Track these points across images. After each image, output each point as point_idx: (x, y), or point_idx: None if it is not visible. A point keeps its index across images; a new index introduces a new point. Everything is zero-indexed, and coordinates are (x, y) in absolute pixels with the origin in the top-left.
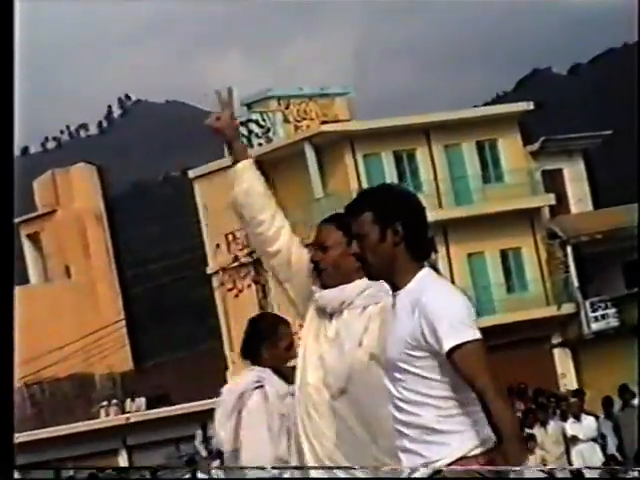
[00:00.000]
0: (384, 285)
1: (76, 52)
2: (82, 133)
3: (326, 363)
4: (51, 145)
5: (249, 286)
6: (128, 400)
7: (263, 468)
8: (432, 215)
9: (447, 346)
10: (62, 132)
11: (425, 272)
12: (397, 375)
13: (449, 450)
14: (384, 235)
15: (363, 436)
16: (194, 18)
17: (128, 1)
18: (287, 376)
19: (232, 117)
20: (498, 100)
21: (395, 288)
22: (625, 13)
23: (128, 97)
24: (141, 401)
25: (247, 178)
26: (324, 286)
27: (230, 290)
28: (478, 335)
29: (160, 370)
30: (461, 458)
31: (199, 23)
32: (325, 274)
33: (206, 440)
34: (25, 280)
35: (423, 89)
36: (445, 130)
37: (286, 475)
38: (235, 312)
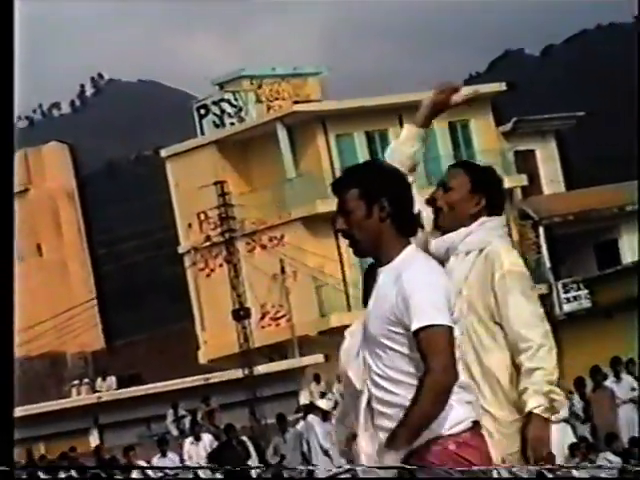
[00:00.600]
0: (491, 232)
1: (47, 32)
2: (55, 112)
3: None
4: (23, 124)
5: (221, 265)
6: (99, 379)
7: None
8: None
9: (415, 326)
10: (34, 111)
11: (411, 249)
12: (378, 351)
13: (425, 429)
14: (370, 211)
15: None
16: None
17: None
18: None
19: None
20: (471, 81)
21: (380, 264)
22: None
23: (101, 76)
24: (112, 380)
25: (416, 144)
26: (437, 227)
27: (202, 270)
28: (447, 321)
29: (131, 349)
30: (437, 437)
31: (171, 1)
32: (440, 214)
33: (177, 419)
34: None
35: (396, 70)
36: (416, 110)
37: None
38: (207, 292)
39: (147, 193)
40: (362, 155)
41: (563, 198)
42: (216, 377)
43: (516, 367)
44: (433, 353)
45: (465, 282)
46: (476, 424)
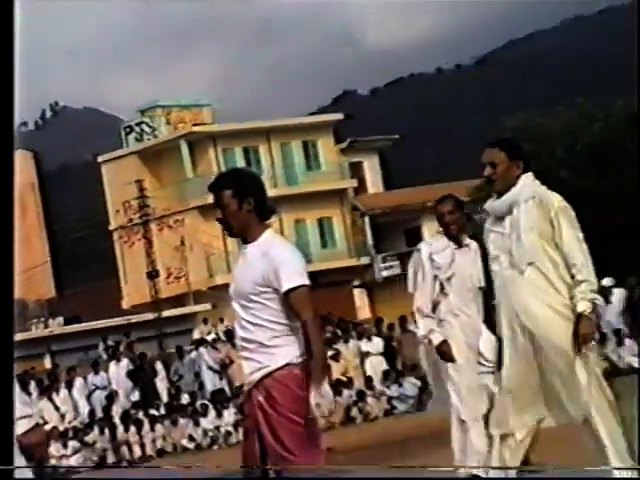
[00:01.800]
0: (534, 182)
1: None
2: (23, 128)
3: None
4: None
5: (139, 240)
6: (51, 319)
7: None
8: (270, 192)
9: (285, 287)
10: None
11: (270, 231)
12: (246, 303)
13: (277, 359)
14: (241, 206)
15: None
16: (108, 42)
17: (62, 20)
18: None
19: None
20: (319, 111)
21: (246, 242)
22: (406, 51)
23: (57, 103)
24: (60, 319)
25: None
26: (496, 193)
27: (125, 242)
28: (307, 282)
29: (75, 298)
30: (286, 364)
31: (110, 47)
32: (496, 184)
33: (106, 348)
34: None
35: (266, 101)
36: (280, 132)
37: None
38: (129, 258)
39: (88, 187)
40: (240, 163)
41: (382, 196)
42: (134, 318)
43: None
44: (304, 306)
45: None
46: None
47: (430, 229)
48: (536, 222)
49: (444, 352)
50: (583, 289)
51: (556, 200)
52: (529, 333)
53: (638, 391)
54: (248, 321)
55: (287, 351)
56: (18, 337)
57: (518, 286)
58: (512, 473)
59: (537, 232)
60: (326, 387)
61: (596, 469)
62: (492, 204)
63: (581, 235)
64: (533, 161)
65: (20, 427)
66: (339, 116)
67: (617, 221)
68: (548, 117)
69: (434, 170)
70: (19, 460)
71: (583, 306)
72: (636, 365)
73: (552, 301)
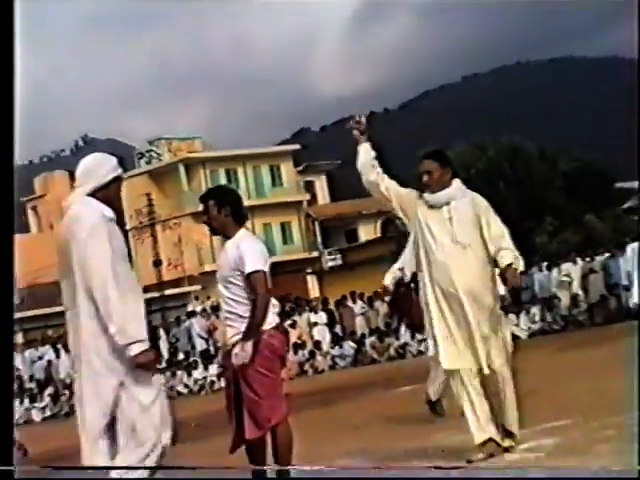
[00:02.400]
0: (462, 186)
1: (50, 101)
2: (61, 154)
3: (449, 227)
4: (44, 159)
5: (147, 237)
6: None
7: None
8: (245, 202)
9: (248, 270)
10: (52, 153)
11: (243, 231)
12: (227, 284)
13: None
14: (220, 211)
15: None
16: (123, 88)
17: (91, 68)
18: None
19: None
20: (282, 143)
21: (227, 239)
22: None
23: (86, 135)
24: None
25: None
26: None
27: (137, 239)
28: (265, 268)
29: None
30: (263, 332)
31: (126, 92)
32: (432, 189)
33: None
34: (28, 231)
35: (243, 135)
36: (253, 158)
37: None
38: (140, 251)
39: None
40: (223, 182)
41: (328, 206)
42: (146, 295)
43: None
44: (260, 285)
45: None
46: (279, 325)
47: (365, 230)
48: (470, 215)
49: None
50: (509, 254)
51: (483, 201)
52: (465, 294)
53: (638, 380)
54: (230, 298)
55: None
56: (53, 310)
57: (460, 259)
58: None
59: (471, 221)
60: (249, 344)
61: (596, 469)
62: (432, 195)
63: (505, 228)
64: None
65: (134, 350)
66: (297, 147)
67: None
68: (450, 150)
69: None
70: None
71: (509, 259)
72: None
73: (485, 272)
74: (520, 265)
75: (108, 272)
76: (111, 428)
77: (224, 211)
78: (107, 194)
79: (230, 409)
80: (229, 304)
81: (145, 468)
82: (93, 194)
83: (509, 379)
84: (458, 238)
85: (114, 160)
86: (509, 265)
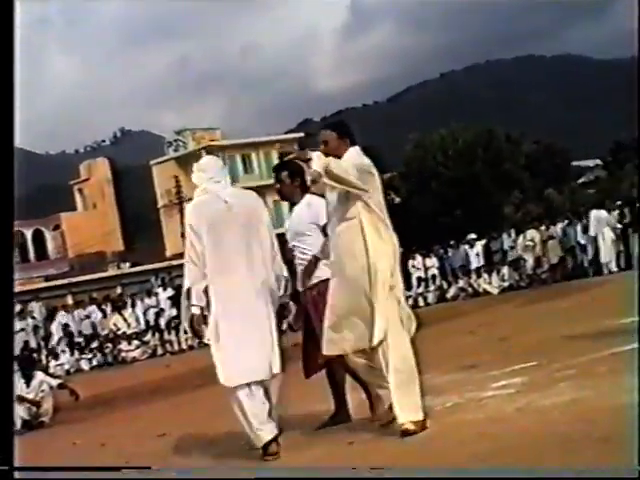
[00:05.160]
0: (360, 157)
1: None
2: (102, 144)
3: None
4: (88, 149)
5: (176, 213)
6: (121, 263)
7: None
8: (259, 182)
9: (322, 222)
10: (94, 143)
11: (309, 195)
12: (302, 238)
13: (321, 273)
14: (292, 182)
15: None
16: (155, 87)
17: (130, 69)
18: None
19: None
20: (288, 132)
21: (293, 204)
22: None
23: (123, 128)
24: (128, 264)
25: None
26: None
27: (167, 215)
28: None
29: (137, 250)
30: (327, 279)
31: (157, 90)
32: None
33: (157, 281)
34: (74, 209)
35: (257, 125)
36: (264, 145)
37: None
38: (169, 225)
39: (144, 180)
40: (239, 167)
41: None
42: (174, 262)
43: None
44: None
45: None
46: (327, 280)
47: None
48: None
49: None
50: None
51: (374, 169)
52: (360, 265)
53: (638, 374)
54: (305, 248)
55: (326, 270)
56: (97, 275)
57: (351, 233)
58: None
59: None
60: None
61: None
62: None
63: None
64: (421, 161)
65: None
66: (301, 134)
67: (472, 195)
68: (431, 135)
69: None
70: None
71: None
72: None
73: (378, 242)
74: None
75: None
76: None
77: (295, 181)
78: None
79: (304, 342)
80: (305, 252)
81: (145, 468)
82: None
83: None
84: (347, 215)
85: None
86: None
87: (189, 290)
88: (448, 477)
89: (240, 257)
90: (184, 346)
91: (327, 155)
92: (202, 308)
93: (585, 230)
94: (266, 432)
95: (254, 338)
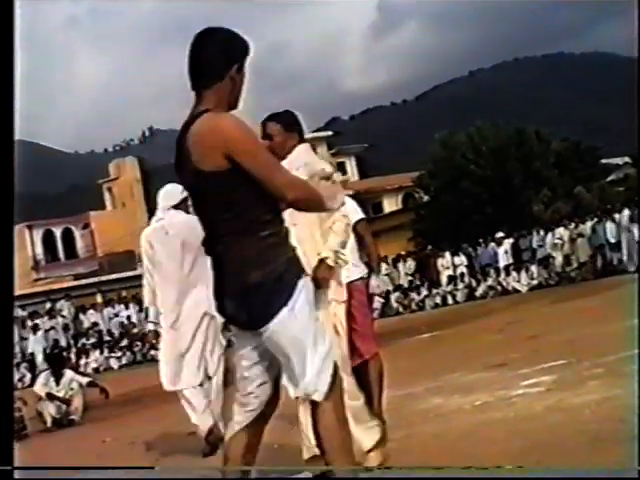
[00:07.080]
0: (309, 155)
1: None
2: (131, 143)
3: None
4: (117, 148)
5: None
6: None
7: None
8: None
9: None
10: (123, 142)
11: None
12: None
13: (352, 274)
14: None
15: None
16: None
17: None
18: None
19: None
20: (317, 130)
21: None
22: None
23: (152, 127)
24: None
25: None
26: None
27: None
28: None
29: None
30: (360, 278)
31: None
32: (275, 154)
33: None
34: (104, 208)
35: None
36: None
37: None
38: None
39: (170, 181)
40: None
41: (357, 183)
42: None
43: None
44: (367, 234)
45: None
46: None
47: (388, 203)
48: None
49: None
50: (330, 243)
51: (325, 167)
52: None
53: (638, 377)
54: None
55: (358, 271)
56: (126, 274)
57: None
58: None
59: None
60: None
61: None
62: None
63: None
64: (450, 160)
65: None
66: (330, 133)
67: (502, 194)
68: (459, 134)
69: (390, 166)
70: None
71: (325, 253)
72: None
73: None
74: (342, 256)
75: None
76: None
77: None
78: None
79: None
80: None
81: (145, 468)
82: None
83: None
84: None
85: None
86: (322, 259)
87: (147, 309)
88: (473, 477)
89: (181, 276)
90: None
91: (272, 152)
92: (156, 324)
93: (614, 228)
94: None
95: None
